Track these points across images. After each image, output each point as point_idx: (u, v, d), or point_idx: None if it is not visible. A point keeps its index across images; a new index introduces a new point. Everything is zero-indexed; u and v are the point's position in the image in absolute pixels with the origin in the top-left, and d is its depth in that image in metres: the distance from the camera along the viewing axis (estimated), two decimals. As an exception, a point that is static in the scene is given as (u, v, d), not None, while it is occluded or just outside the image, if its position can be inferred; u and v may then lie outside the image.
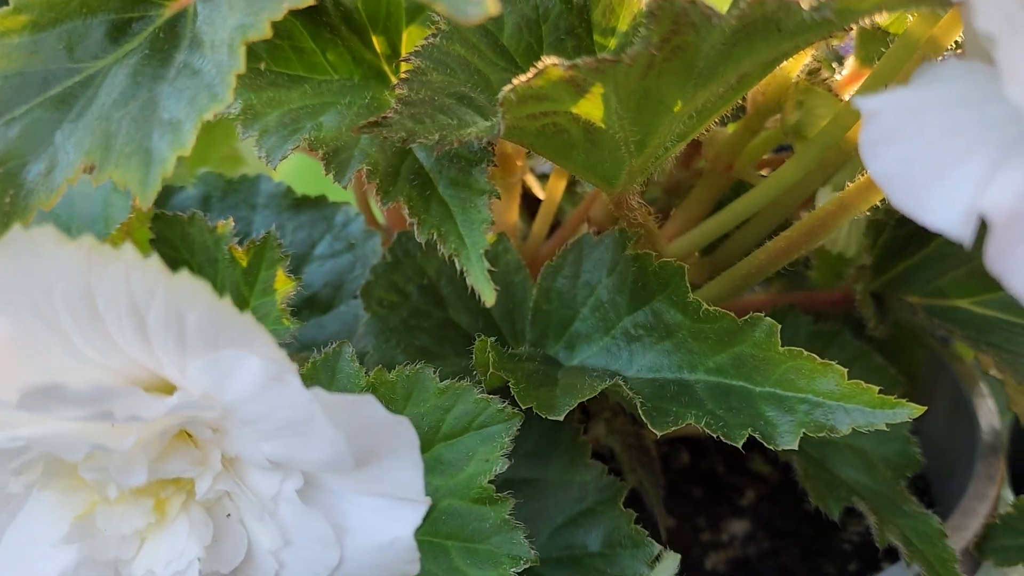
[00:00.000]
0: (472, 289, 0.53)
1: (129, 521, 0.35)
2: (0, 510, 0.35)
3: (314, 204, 0.57)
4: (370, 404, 0.32)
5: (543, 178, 0.66)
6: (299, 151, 0.44)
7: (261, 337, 0.31)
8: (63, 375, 0.32)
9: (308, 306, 0.55)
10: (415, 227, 0.42)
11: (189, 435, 0.35)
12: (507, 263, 0.54)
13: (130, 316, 0.31)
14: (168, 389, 0.35)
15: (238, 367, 0.31)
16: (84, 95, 0.38)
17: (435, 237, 0.42)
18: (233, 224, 0.48)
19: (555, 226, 0.69)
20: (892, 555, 0.56)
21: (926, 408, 0.40)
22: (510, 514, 0.40)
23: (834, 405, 0.41)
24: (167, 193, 0.58)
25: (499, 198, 0.43)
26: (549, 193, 0.61)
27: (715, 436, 0.40)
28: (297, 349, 0.53)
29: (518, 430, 0.41)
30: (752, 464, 0.64)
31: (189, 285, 0.30)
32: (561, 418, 0.42)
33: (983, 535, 0.51)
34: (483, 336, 0.54)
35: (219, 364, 0.31)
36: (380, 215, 0.64)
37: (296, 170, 0.74)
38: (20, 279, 0.30)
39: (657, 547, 0.44)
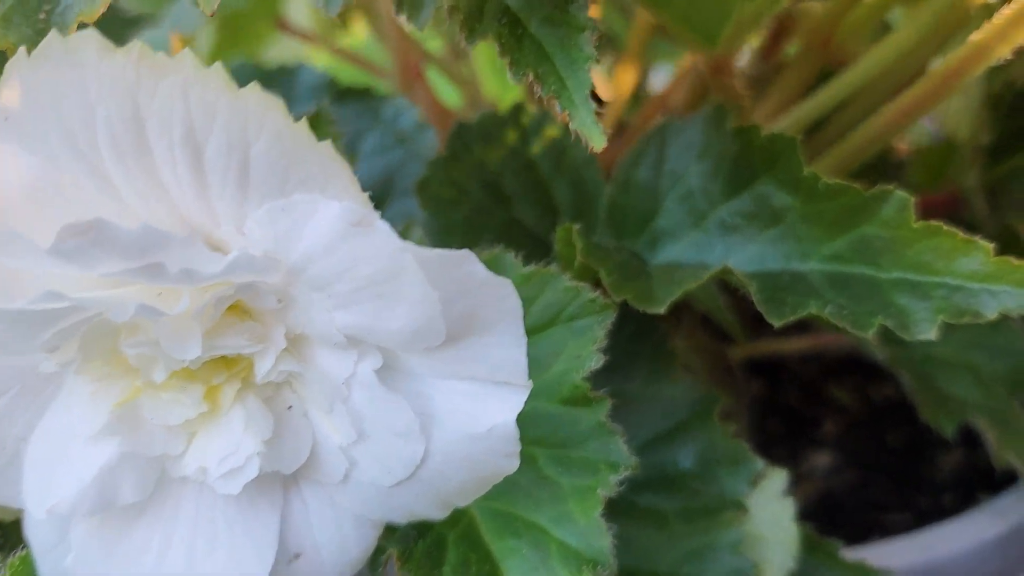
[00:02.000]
0: (538, 184, 0.49)
1: (177, 410, 0.29)
2: (32, 397, 0.30)
3: (360, 96, 0.52)
4: (470, 261, 0.27)
5: (609, 74, 0.60)
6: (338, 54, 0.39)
7: (341, 175, 0.26)
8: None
9: (355, 206, 0.50)
10: (507, 67, 0.36)
11: (246, 309, 0.29)
12: (575, 156, 0.48)
13: (184, 146, 0.25)
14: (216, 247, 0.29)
15: (311, 214, 0.26)
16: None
17: (531, 79, 0.36)
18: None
19: (619, 135, 0.63)
20: (989, 486, 0.51)
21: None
22: (607, 416, 0.34)
23: (978, 287, 0.35)
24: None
25: (603, 35, 0.37)
26: (617, 88, 0.55)
27: (842, 325, 0.35)
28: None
29: None
30: (830, 393, 0.59)
31: (258, 103, 0.25)
32: (663, 310, 0.36)
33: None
34: (550, 238, 0.49)
35: (287, 213, 0.26)
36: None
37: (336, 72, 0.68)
38: (55, 103, 0.25)
39: (760, 463, 0.39)
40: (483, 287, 0.27)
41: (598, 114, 0.57)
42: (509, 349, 0.28)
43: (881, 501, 0.52)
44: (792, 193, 0.39)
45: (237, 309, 0.29)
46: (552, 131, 0.49)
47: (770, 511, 0.38)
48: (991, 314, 0.35)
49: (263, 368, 0.29)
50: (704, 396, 0.42)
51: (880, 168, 0.54)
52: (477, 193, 0.47)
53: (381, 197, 0.50)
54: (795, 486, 0.53)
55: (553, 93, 0.34)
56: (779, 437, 0.57)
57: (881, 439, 0.55)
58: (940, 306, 0.35)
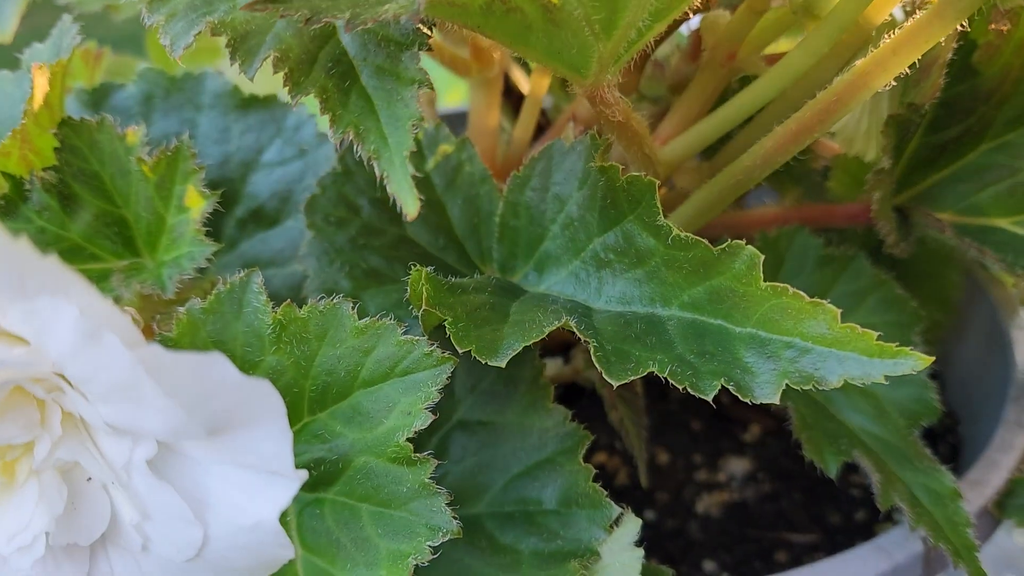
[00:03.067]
0: (433, 203, 0.48)
1: (-30, 487, 0.30)
2: None
3: (263, 105, 0.51)
4: (219, 365, 0.26)
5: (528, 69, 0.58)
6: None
7: (75, 283, 0.25)
8: None
9: (254, 219, 0.50)
10: (329, 124, 0.36)
11: (31, 395, 0.29)
12: (471, 173, 0.47)
13: (-81, 258, 0.25)
14: (6, 333, 0.29)
15: (55, 318, 0.25)
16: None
17: (352, 136, 0.35)
18: (144, 130, 0.42)
19: (547, 126, 0.61)
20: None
21: (933, 359, 0.33)
22: (431, 477, 0.34)
23: (824, 352, 0.34)
24: (105, 91, 0.52)
25: (431, 88, 0.36)
26: (533, 88, 0.54)
27: (680, 388, 0.34)
28: (238, 268, 0.47)
29: (477, 367, 0.36)
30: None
31: (-25, 223, 0.24)
32: (503, 365, 0.35)
33: (1006, 491, 0.44)
34: (442, 257, 0.48)
35: (36, 314, 0.26)
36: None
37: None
38: None
39: (616, 510, 0.39)
40: (240, 388, 0.27)
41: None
42: (274, 442, 0.28)
43: (792, 517, 0.51)
44: (654, 237, 0.38)
45: (26, 392, 0.29)
46: (447, 147, 0.47)
47: (621, 560, 0.38)
48: (836, 382, 0.33)
49: (40, 455, 0.29)
50: (575, 431, 0.41)
51: (803, 175, 0.52)
52: (368, 210, 0.46)
53: (280, 211, 0.50)
54: (709, 493, 0.53)
55: (372, 153, 0.34)
56: (702, 439, 0.56)
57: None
58: (787, 369, 0.34)
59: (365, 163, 0.34)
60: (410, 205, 0.33)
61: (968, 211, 0.46)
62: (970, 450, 0.52)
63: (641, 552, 0.37)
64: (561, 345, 0.56)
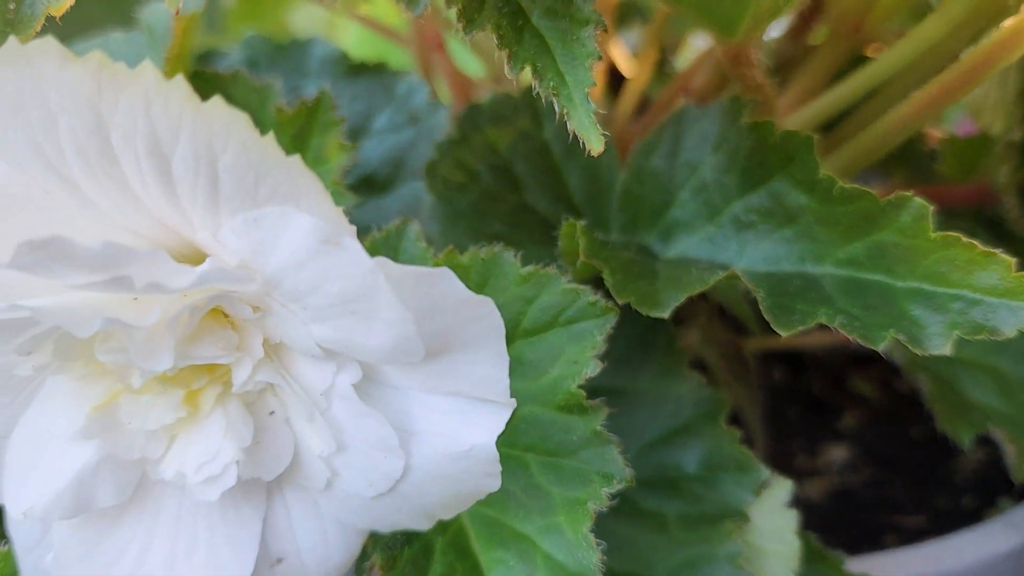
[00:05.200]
0: (550, 169, 0.47)
1: (156, 414, 0.29)
2: (12, 395, 0.30)
3: (373, 72, 0.51)
4: (447, 279, 0.25)
5: (633, 53, 0.58)
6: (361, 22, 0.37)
7: (312, 189, 0.25)
8: (74, 234, 0.26)
9: (365, 185, 0.49)
10: (506, 61, 0.35)
11: (226, 315, 0.28)
12: (592, 141, 0.47)
13: (151, 157, 0.24)
14: (201, 260, 0.29)
15: (283, 227, 0.25)
16: None
17: (530, 73, 0.34)
18: (282, 84, 0.41)
19: (644, 109, 0.61)
20: (1010, 489, 0.49)
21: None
22: (603, 425, 0.33)
23: (996, 302, 0.33)
24: (208, 58, 0.52)
25: (606, 30, 0.36)
26: (639, 67, 0.53)
27: (851, 339, 0.33)
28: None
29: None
30: (853, 385, 0.58)
31: (223, 116, 0.23)
32: (666, 315, 0.35)
33: None
34: (570, 219, 0.47)
35: (260, 223, 0.25)
36: (444, 94, 0.57)
37: (356, 44, 0.67)
38: (17, 111, 0.24)
39: (765, 472, 0.38)
40: (463, 305, 0.26)
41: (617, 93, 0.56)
42: (491, 367, 0.27)
43: (897, 501, 0.50)
44: (807, 194, 0.37)
45: (219, 314, 0.29)
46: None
47: (772, 522, 0.37)
48: (1009, 332, 0.33)
49: (239, 378, 0.28)
50: (712, 397, 0.40)
51: (911, 156, 0.52)
52: (487, 177, 0.46)
53: (392, 177, 0.49)
54: (811, 480, 0.52)
55: (551, 90, 0.33)
56: (798, 427, 0.55)
57: (902, 434, 0.54)
58: (956, 320, 0.33)
59: (543, 100, 0.34)
60: (594, 141, 0.33)
61: (1090, 190, 0.46)
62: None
63: (795, 514, 0.37)
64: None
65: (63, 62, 0.23)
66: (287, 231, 0.25)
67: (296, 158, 0.24)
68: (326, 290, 0.25)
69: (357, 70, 0.51)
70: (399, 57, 0.68)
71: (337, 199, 0.40)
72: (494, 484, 0.28)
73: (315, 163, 0.40)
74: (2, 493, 0.30)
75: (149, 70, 0.23)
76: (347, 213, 0.40)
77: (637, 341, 0.42)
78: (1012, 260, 0.33)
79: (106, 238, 0.27)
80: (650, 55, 0.52)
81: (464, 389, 0.27)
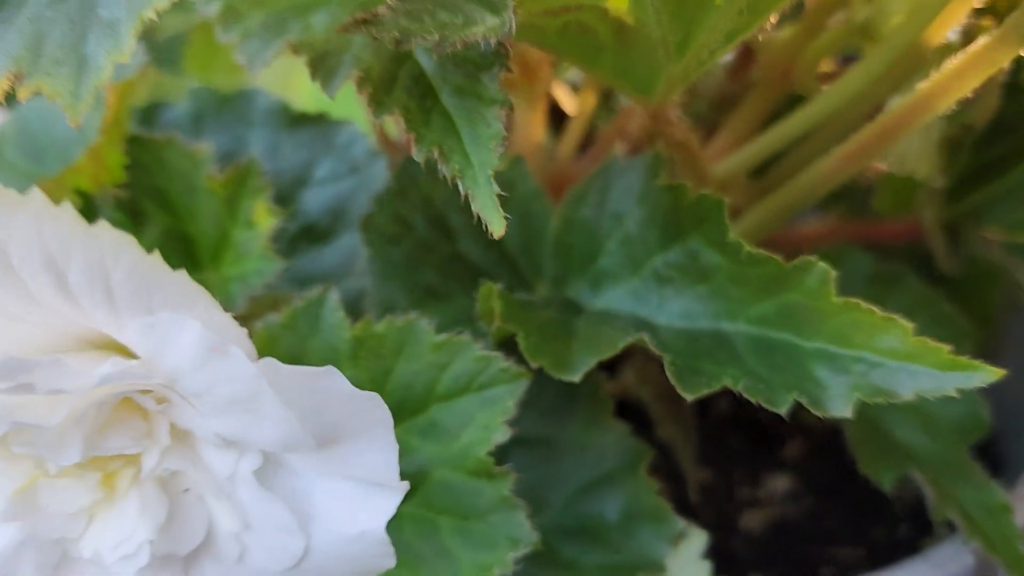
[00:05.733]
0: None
1: (73, 497, 0.30)
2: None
3: (314, 122, 0.52)
4: (333, 378, 0.27)
5: (575, 88, 0.59)
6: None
7: (202, 298, 0.26)
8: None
9: (306, 236, 0.50)
10: (412, 143, 0.36)
11: (136, 405, 0.30)
12: (524, 190, 0.48)
13: (47, 272, 0.26)
14: (121, 348, 0.30)
15: (176, 332, 0.26)
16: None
17: (435, 155, 0.36)
18: (212, 147, 0.42)
19: (588, 143, 0.62)
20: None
21: (1004, 372, 0.34)
22: (511, 490, 0.35)
23: (896, 366, 0.35)
24: (156, 110, 0.53)
25: (511, 109, 0.37)
26: (580, 107, 0.54)
27: (754, 402, 0.35)
28: (293, 284, 0.48)
29: (534, 382, 0.37)
30: (798, 413, 0.59)
31: (111, 239, 0.25)
32: (577, 379, 0.36)
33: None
34: (495, 273, 0.48)
35: (155, 329, 0.26)
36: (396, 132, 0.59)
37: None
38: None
39: (680, 523, 0.39)
40: (350, 400, 0.27)
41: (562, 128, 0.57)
42: (380, 454, 0.28)
43: (835, 532, 0.52)
44: (720, 254, 0.38)
45: (130, 402, 0.30)
46: (501, 165, 0.48)
47: (688, 573, 0.38)
48: (907, 395, 0.34)
49: (148, 465, 0.29)
50: (634, 447, 0.42)
51: (848, 192, 0.53)
52: (421, 228, 0.47)
53: (333, 227, 0.50)
54: (751, 511, 0.54)
55: (456, 172, 0.34)
56: (741, 456, 0.57)
57: (844, 463, 0.55)
58: (857, 383, 0.34)
59: (448, 181, 0.35)
60: (495, 224, 0.34)
61: (1014, 228, 0.47)
62: (1012, 464, 0.53)
63: (709, 565, 0.38)
64: (607, 361, 0.57)
65: (-43, 188, 0.25)
66: (179, 337, 0.26)
67: (183, 272, 0.26)
68: (217, 391, 0.26)
69: (299, 120, 0.52)
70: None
71: (267, 263, 0.41)
72: (389, 563, 0.29)
73: (245, 227, 0.42)
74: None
75: (37, 195, 0.24)
76: (275, 273, 0.41)
77: (564, 391, 0.43)
78: (910, 326, 0.34)
79: (17, 336, 0.28)
80: (590, 95, 0.53)
81: (358, 474, 0.29)
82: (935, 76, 0.39)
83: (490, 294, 0.38)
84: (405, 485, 0.29)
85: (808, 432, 0.57)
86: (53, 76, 0.30)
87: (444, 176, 0.44)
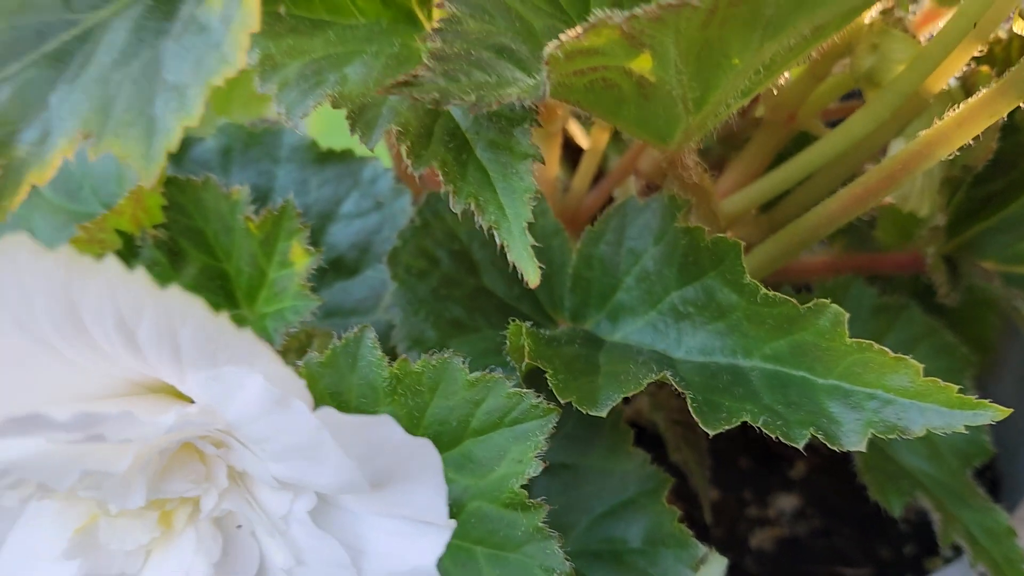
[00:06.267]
0: (505, 254, 0.50)
1: (133, 536, 0.32)
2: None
3: (340, 159, 0.53)
4: (387, 426, 0.29)
5: (586, 124, 0.61)
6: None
7: (263, 354, 0.28)
8: (54, 387, 0.29)
9: (333, 269, 0.52)
10: (451, 195, 0.38)
11: (195, 449, 0.32)
12: (544, 226, 0.50)
13: (118, 331, 0.27)
14: (175, 391, 0.32)
15: (239, 385, 0.28)
16: (82, 51, 0.34)
17: (472, 207, 0.38)
18: (249, 189, 0.44)
19: (600, 176, 0.64)
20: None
21: (1011, 411, 0.36)
22: (544, 521, 0.37)
23: (907, 403, 0.36)
24: (186, 145, 0.54)
25: (543, 163, 0.39)
26: (593, 143, 0.56)
27: (774, 437, 0.37)
28: (321, 316, 0.50)
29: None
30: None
31: (180, 301, 0.26)
32: (604, 414, 0.38)
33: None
34: (518, 306, 0.50)
35: (218, 382, 0.28)
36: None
37: (326, 117, 0.69)
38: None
39: (702, 549, 0.41)
40: (402, 446, 0.29)
41: (573, 161, 0.59)
42: (430, 496, 0.30)
43: (843, 551, 0.54)
44: (736, 293, 0.40)
45: (189, 447, 0.32)
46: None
47: (708, 596, 0.40)
48: (918, 431, 0.36)
49: (207, 507, 0.31)
50: (655, 474, 0.44)
51: (852, 225, 0.55)
52: (447, 262, 0.49)
53: (359, 261, 0.52)
54: (762, 529, 0.55)
55: (493, 223, 0.36)
56: (750, 477, 0.59)
57: (850, 482, 0.57)
58: (871, 419, 0.36)
59: (485, 231, 0.37)
60: (531, 273, 0.36)
61: (1011, 260, 0.49)
62: (1009, 486, 0.55)
63: (729, 588, 0.40)
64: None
65: (36, 254, 0.26)
66: (243, 389, 0.28)
67: (248, 331, 0.27)
68: (278, 440, 0.28)
69: (325, 157, 0.53)
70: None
71: (303, 300, 0.43)
72: (436, 598, 0.31)
73: (281, 267, 0.43)
74: (-5, 609, 0.33)
75: (111, 262, 0.26)
76: (314, 313, 0.43)
77: (586, 421, 0.45)
78: (920, 366, 0.36)
79: (87, 388, 0.30)
80: (603, 131, 0.55)
81: (408, 513, 0.31)
82: (938, 125, 0.41)
83: (519, 332, 0.40)
84: (453, 523, 0.30)
85: (814, 452, 0.59)
86: (123, 138, 0.31)
87: (469, 213, 0.46)
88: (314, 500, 0.31)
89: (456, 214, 0.49)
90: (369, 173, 0.53)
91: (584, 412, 0.40)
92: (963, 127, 0.40)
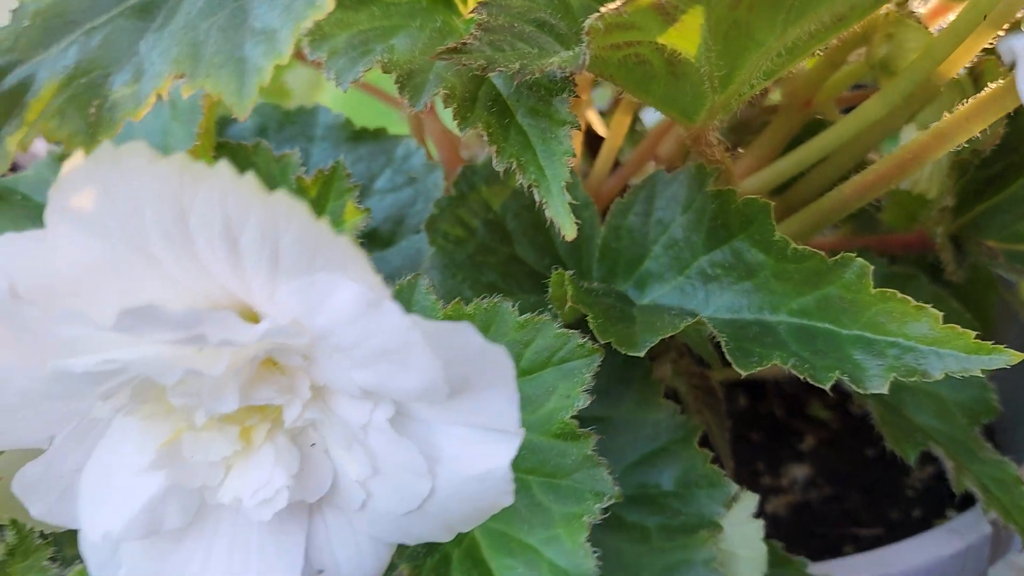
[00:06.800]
0: (538, 224, 0.53)
1: (216, 448, 0.34)
2: (84, 434, 0.35)
3: (373, 136, 0.56)
4: (468, 332, 0.31)
5: (607, 116, 0.64)
6: (354, 85, 0.43)
7: (358, 261, 0.30)
8: (152, 298, 0.31)
9: (370, 240, 0.54)
10: (494, 155, 0.41)
11: (275, 363, 0.34)
12: (575, 198, 0.52)
13: (223, 238, 0.29)
14: (252, 316, 0.34)
15: (333, 291, 0.30)
16: (166, 4, 0.36)
17: (514, 166, 0.40)
18: (299, 152, 0.46)
19: (615, 167, 0.67)
20: (955, 503, 0.55)
21: (1024, 356, 0.38)
22: (593, 449, 0.39)
23: (926, 350, 0.39)
24: (222, 124, 0.57)
25: (579, 129, 0.42)
26: (613, 130, 0.59)
27: (802, 377, 0.39)
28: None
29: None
30: (811, 409, 0.64)
31: (286, 205, 0.29)
32: (642, 354, 0.41)
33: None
34: (549, 275, 0.53)
35: (312, 288, 0.30)
36: (434, 151, 0.63)
37: (348, 106, 0.72)
38: (109, 200, 0.29)
39: (734, 487, 0.43)
40: (480, 353, 0.31)
41: (591, 150, 0.61)
42: (504, 403, 0.32)
43: (854, 514, 0.56)
44: (764, 252, 0.43)
45: (270, 363, 0.34)
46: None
47: (742, 530, 0.42)
48: (937, 375, 0.39)
49: (290, 416, 0.33)
50: (686, 422, 0.46)
51: (859, 209, 0.58)
52: (482, 231, 0.51)
53: (394, 232, 0.55)
54: (775, 497, 0.58)
55: (533, 182, 0.38)
56: (762, 449, 0.61)
57: (858, 454, 0.59)
58: (892, 364, 0.39)
59: (524, 190, 0.39)
60: (568, 228, 0.38)
61: (1011, 238, 0.52)
62: (1010, 453, 0.58)
63: (761, 523, 0.42)
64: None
65: (150, 162, 0.29)
66: (336, 296, 0.30)
67: (346, 237, 0.30)
68: (368, 344, 0.30)
69: (359, 135, 0.56)
70: (376, 108, 0.72)
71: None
72: (508, 500, 0.33)
73: (333, 225, 0.45)
74: (81, 519, 0.35)
75: (225, 169, 0.28)
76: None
77: (617, 376, 0.47)
78: (940, 313, 0.39)
79: (175, 298, 0.32)
80: (623, 121, 0.58)
81: (481, 422, 0.33)
82: (948, 117, 0.44)
83: (562, 280, 0.43)
84: (523, 432, 0.33)
85: (821, 427, 0.62)
86: (215, 77, 0.34)
87: (502, 184, 0.49)
88: (393, 409, 0.33)
89: (490, 185, 0.52)
90: (402, 150, 0.56)
91: (615, 357, 0.42)
92: (972, 120, 0.43)
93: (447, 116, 0.68)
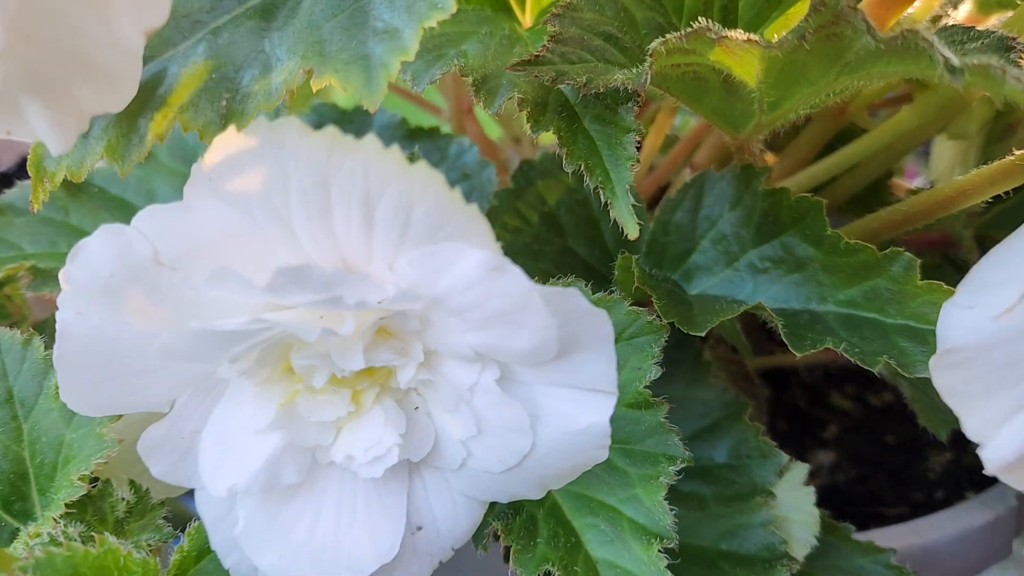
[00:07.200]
0: (589, 219, 0.56)
1: (331, 409, 0.36)
2: (202, 397, 0.37)
3: (428, 135, 0.59)
4: (574, 295, 0.34)
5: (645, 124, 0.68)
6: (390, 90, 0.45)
7: (482, 229, 0.33)
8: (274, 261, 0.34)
9: (427, 233, 0.57)
10: (564, 156, 0.43)
11: (388, 331, 0.36)
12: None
13: (361, 207, 0.32)
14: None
15: (458, 258, 0.32)
16: (285, 5, 0.39)
17: (583, 168, 0.43)
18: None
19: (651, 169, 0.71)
20: (975, 485, 0.59)
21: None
22: (665, 417, 0.42)
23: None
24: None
25: (643, 136, 0.45)
26: (654, 135, 0.63)
27: (853, 360, 0.42)
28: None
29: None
30: (832, 399, 0.67)
31: (424, 176, 0.31)
32: (703, 334, 0.44)
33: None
34: (600, 267, 0.56)
35: (435, 256, 0.33)
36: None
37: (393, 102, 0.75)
38: (257, 171, 0.32)
39: (785, 457, 0.46)
40: (584, 316, 0.34)
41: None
42: (603, 364, 0.35)
43: (880, 495, 0.59)
44: (815, 246, 0.46)
45: (383, 329, 0.37)
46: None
47: (794, 497, 0.46)
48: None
49: (405, 377, 0.36)
50: (735, 400, 0.49)
51: (882, 206, 0.62)
52: (537, 223, 0.54)
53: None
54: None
55: (599, 184, 0.41)
56: (787, 437, 0.64)
57: (880, 440, 0.63)
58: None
59: (591, 191, 0.42)
60: (631, 228, 0.41)
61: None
62: None
63: (812, 489, 0.45)
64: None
65: (302, 135, 0.31)
66: (460, 262, 0.33)
67: (474, 206, 0.32)
68: (488, 305, 0.33)
69: (414, 133, 0.59)
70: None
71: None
72: (603, 455, 0.36)
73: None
74: (203, 476, 0.37)
75: (371, 141, 0.31)
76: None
77: (668, 357, 0.50)
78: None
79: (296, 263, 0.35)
80: (663, 125, 0.62)
81: (580, 382, 0.35)
82: (974, 176, 0.46)
83: (629, 263, 0.46)
84: (618, 392, 0.35)
85: (843, 416, 0.65)
86: (342, 73, 0.36)
87: (556, 180, 0.51)
88: (499, 371, 0.35)
89: (545, 180, 0.55)
90: (455, 148, 0.59)
91: (666, 340, 0.45)
92: (995, 184, 0.45)
93: (487, 120, 0.71)
